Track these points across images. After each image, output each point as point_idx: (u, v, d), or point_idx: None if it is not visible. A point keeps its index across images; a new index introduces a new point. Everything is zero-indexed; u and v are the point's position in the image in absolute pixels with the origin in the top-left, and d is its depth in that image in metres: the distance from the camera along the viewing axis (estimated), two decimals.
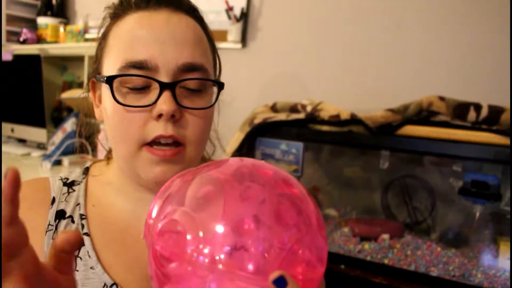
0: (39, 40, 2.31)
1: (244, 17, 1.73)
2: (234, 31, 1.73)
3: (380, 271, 1.08)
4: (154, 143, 0.52)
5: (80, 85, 2.21)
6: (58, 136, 1.85)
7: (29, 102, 2.00)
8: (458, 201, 1.12)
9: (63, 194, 0.60)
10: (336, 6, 1.54)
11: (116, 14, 0.56)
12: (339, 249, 1.14)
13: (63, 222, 0.57)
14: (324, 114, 1.15)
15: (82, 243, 0.36)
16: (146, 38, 0.52)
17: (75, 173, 0.63)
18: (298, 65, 1.63)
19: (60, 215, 0.57)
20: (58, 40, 2.25)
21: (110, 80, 0.52)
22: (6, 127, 2.13)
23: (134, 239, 0.57)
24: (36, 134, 1.98)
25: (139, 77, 0.51)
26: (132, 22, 0.54)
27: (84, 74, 2.05)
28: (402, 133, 1.07)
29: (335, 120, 1.13)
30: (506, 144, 0.95)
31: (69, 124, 1.85)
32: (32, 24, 2.38)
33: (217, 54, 0.64)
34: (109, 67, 0.54)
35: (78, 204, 0.59)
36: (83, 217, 0.57)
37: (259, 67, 1.72)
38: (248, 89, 1.75)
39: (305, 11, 1.61)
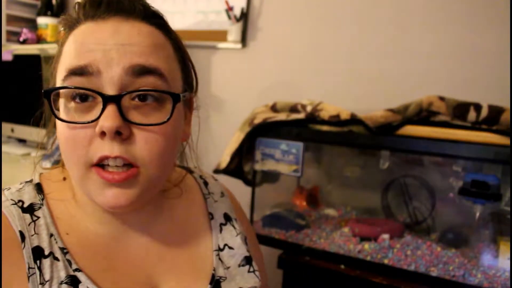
0: (39, 40, 2.31)
1: (244, 17, 1.73)
2: (234, 31, 1.73)
3: (380, 271, 1.08)
4: (103, 164, 0.46)
5: None
6: None
7: (29, 102, 2.00)
8: (458, 201, 1.12)
9: (29, 224, 0.49)
10: (336, 6, 1.54)
11: (70, 26, 0.51)
12: (339, 249, 1.14)
13: (46, 262, 0.48)
14: (324, 114, 1.15)
15: None
16: (89, 44, 0.46)
17: (27, 193, 0.52)
18: (298, 65, 1.63)
19: (38, 253, 0.48)
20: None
21: (47, 94, 0.47)
22: (6, 127, 2.13)
23: (121, 262, 0.53)
24: (36, 134, 1.98)
25: (76, 89, 0.45)
26: (80, 32, 0.48)
27: None
28: (402, 133, 1.07)
29: (335, 120, 1.13)
30: (506, 144, 0.94)
31: None
32: (32, 24, 2.38)
33: (191, 64, 0.58)
34: (58, 81, 0.49)
35: (52, 235, 0.50)
36: (65, 251, 0.49)
37: (259, 67, 1.72)
38: (248, 89, 1.75)
39: (305, 11, 1.61)
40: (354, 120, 1.11)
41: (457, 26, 1.33)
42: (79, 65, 0.45)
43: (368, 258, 1.10)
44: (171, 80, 0.50)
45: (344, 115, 1.12)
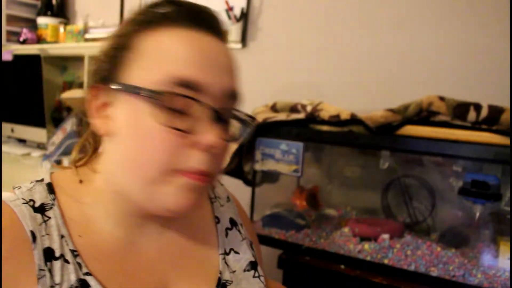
0: (39, 40, 2.31)
1: (244, 17, 1.73)
2: (234, 31, 1.73)
3: (380, 271, 1.08)
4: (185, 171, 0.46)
5: (80, 85, 2.21)
6: (58, 136, 1.85)
7: (29, 102, 2.00)
8: (458, 201, 1.12)
9: (40, 224, 0.47)
10: (336, 6, 1.54)
11: (149, 22, 0.49)
12: (339, 249, 1.14)
13: (57, 264, 0.46)
14: (324, 114, 1.15)
15: None
16: (196, 58, 0.47)
17: (38, 193, 0.50)
18: (298, 65, 1.63)
19: (49, 254, 0.46)
20: (58, 40, 2.25)
21: (156, 94, 0.45)
22: (6, 127, 2.13)
23: (133, 266, 0.52)
24: (36, 134, 1.98)
25: (191, 100, 0.45)
26: (177, 38, 0.48)
27: (84, 74, 2.05)
28: (402, 133, 1.07)
29: (335, 120, 1.13)
30: (506, 144, 0.95)
31: (69, 124, 1.85)
32: (32, 24, 2.38)
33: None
34: (141, 78, 0.47)
35: (63, 236, 0.48)
36: (76, 253, 0.48)
37: (259, 67, 1.72)
38: (248, 89, 1.75)
39: (305, 11, 1.61)
40: (354, 120, 1.11)
41: (457, 26, 1.33)
42: (190, 80, 0.46)
43: (368, 258, 1.10)
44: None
45: (344, 115, 1.12)
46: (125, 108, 0.48)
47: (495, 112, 0.98)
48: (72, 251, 0.48)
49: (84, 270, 0.48)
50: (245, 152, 1.32)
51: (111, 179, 0.51)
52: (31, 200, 0.49)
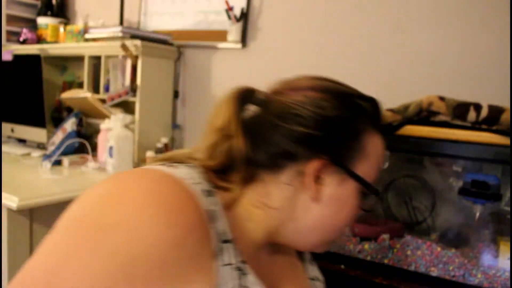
0: (39, 40, 2.31)
1: (244, 17, 1.73)
2: (234, 31, 1.73)
3: (380, 271, 1.08)
4: None
5: (80, 85, 2.21)
6: (58, 136, 1.85)
7: (29, 102, 2.00)
8: (458, 201, 1.12)
9: (211, 206, 0.49)
10: (336, 6, 1.54)
11: (372, 124, 0.58)
12: (339, 249, 1.14)
13: (225, 246, 0.49)
14: None
15: None
16: (380, 166, 0.60)
17: (199, 178, 0.51)
18: (298, 65, 1.63)
19: (219, 236, 0.49)
20: (58, 40, 2.25)
21: (373, 189, 0.58)
22: (6, 127, 2.13)
23: (262, 271, 0.56)
24: (36, 134, 1.98)
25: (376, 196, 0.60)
26: (380, 148, 0.59)
27: (84, 74, 2.05)
28: (402, 133, 1.07)
29: None
30: (506, 144, 0.94)
31: (69, 124, 1.85)
32: (32, 24, 2.38)
33: None
34: (362, 172, 0.56)
35: (227, 223, 0.51)
36: (235, 241, 0.51)
37: (259, 67, 1.72)
38: None
39: (305, 11, 1.61)
40: None
41: (457, 26, 1.33)
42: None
43: (368, 258, 1.10)
44: None
45: None
46: (341, 185, 0.55)
47: (495, 112, 0.98)
48: (233, 238, 0.51)
49: (242, 257, 0.51)
50: None
51: (288, 224, 0.56)
52: (198, 182, 0.50)
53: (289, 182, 0.54)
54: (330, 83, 0.61)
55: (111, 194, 0.45)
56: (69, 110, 2.15)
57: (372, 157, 0.57)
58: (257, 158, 0.55)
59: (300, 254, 0.70)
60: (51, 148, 1.81)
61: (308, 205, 0.54)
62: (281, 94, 0.59)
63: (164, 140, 1.87)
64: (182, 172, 0.50)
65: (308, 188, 0.54)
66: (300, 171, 0.53)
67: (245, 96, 0.62)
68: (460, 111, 1.02)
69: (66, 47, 2.14)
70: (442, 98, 1.05)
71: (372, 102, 0.60)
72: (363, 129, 0.56)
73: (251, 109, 0.60)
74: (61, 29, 2.23)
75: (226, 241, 0.49)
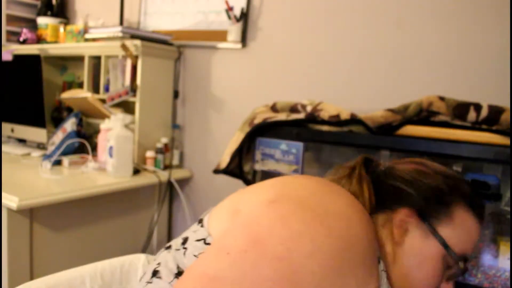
0: (39, 40, 2.31)
1: (244, 17, 1.73)
2: (234, 31, 1.73)
3: None
4: None
5: (80, 85, 2.21)
6: (58, 136, 1.85)
7: (29, 102, 2.00)
8: None
9: None
10: (336, 6, 1.54)
11: (464, 198, 0.65)
12: None
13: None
14: (324, 114, 1.15)
15: None
16: (471, 244, 0.65)
17: None
18: (298, 65, 1.63)
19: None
20: (58, 40, 2.25)
21: (454, 260, 0.63)
22: (6, 127, 2.13)
23: None
24: (36, 134, 1.98)
25: (461, 272, 0.64)
26: (472, 224, 0.65)
27: (84, 74, 2.05)
28: (402, 133, 1.07)
29: (335, 120, 1.13)
30: (506, 144, 0.94)
31: (69, 124, 1.85)
32: (32, 24, 2.38)
33: None
34: (449, 240, 0.63)
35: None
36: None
37: (259, 67, 1.72)
38: (248, 89, 1.75)
39: (305, 11, 1.61)
40: (354, 120, 1.11)
41: (457, 26, 1.33)
42: (465, 256, 0.64)
43: None
44: None
45: (344, 115, 1.12)
46: (428, 245, 0.63)
47: (495, 112, 0.98)
48: None
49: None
50: (245, 152, 1.32)
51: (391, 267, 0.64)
52: None
53: (383, 225, 0.65)
54: (437, 166, 0.71)
55: (323, 188, 0.56)
56: (69, 110, 2.15)
57: (458, 227, 0.63)
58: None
59: None
60: (51, 148, 1.81)
61: (395, 250, 0.63)
62: (397, 164, 0.72)
63: (164, 140, 1.88)
64: None
65: (394, 233, 0.64)
66: (389, 217, 0.65)
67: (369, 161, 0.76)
68: (460, 111, 1.02)
69: (66, 47, 2.14)
70: (442, 98, 1.05)
71: (470, 186, 0.69)
72: (455, 201, 0.64)
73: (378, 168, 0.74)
74: (61, 29, 2.23)
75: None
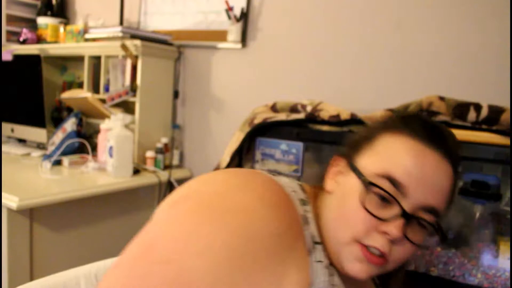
0: (39, 40, 2.31)
1: (244, 17, 1.73)
2: (234, 31, 1.73)
3: None
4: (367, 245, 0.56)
5: (80, 85, 2.21)
6: (58, 136, 1.85)
7: (29, 102, 2.00)
8: (458, 201, 1.12)
9: (304, 212, 0.57)
10: (335, 6, 1.54)
11: (390, 126, 0.60)
12: None
13: (318, 248, 0.56)
14: (324, 114, 1.15)
15: None
16: (411, 167, 0.55)
17: (297, 188, 0.60)
18: (298, 65, 1.63)
19: (313, 238, 0.56)
20: (58, 40, 2.25)
21: (367, 183, 0.56)
22: (6, 127, 2.13)
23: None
24: (36, 134, 1.98)
25: (389, 195, 0.55)
26: (406, 146, 0.57)
27: (84, 74, 2.05)
28: None
29: (335, 120, 1.13)
30: (506, 144, 0.94)
31: (69, 124, 1.85)
32: (32, 24, 2.38)
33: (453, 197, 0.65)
34: (367, 166, 0.58)
35: (318, 243, 0.57)
36: (323, 246, 0.58)
37: (259, 67, 1.72)
38: (248, 89, 1.75)
39: (305, 11, 1.61)
40: (354, 120, 1.11)
41: (457, 26, 1.33)
42: (397, 180, 0.55)
43: None
44: (441, 217, 0.59)
45: (344, 115, 1.12)
46: (348, 181, 0.59)
47: (495, 112, 0.98)
48: (320, 242, 0.58)
49: (328, 260, 0.57)
50: (245, 152, 1.32)
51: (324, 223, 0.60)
52: (295, 191, 0.59)
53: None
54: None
55: (233, 183, 0.53)
56: (69, 110, 2.15)
57: (380, 151, 0.58)
58: None
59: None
60: (51, 148, 1.81)
61: (329, 202, 0.60)
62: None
63: (164, 140, 1.88)
64: (282, 180, 0.59)
65: (327, 184, 0.62)
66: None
67: None
68: (460, 111, 1.02)
69: (66, 47, 2.14)
70: (442, 98, 1.05)
71: (397, 115, 0.65)
72: (379, 132, 0.61)
73: None
74: (61, 29, 2.23)
75: (317, 243, 0.56)
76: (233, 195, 0.51)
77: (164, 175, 1.80)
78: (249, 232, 0.48)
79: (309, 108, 1.19)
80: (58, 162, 1.75)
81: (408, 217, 0.55)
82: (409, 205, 0.55)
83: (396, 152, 0.57)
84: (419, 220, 0.56)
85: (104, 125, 1.77)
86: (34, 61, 1.95)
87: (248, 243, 0.47)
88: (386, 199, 0.55)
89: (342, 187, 0.59)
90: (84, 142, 1.81)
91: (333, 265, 0.58)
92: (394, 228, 0.54)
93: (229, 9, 1.72)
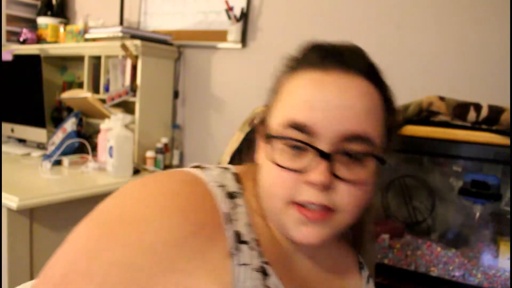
0: (39, 40, 2.31)
1: (244, 17, 1.73)
2: (234, 31, 1.73)
3: (380, 271, 1.07)
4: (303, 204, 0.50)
5: (80, 85, 2.21)
6: (58, 136, 1.85)
7: (29, 102, 2.00)
8: (458, 201, 1.12)
9: (232, 208, 0.50)
10: (335, 6, 1.54)
11: (291, 68, 0.55)
12: None
13: (244, 247, 0.49)
14: None
15: None
16: (310, 101, 0.49)
17: (228, 180, 0.54)
18: None
19: (238, 237, 0.49)
20: (58, 40, 2.25)
21: (268, 138, 0.51)
22: (6, 127, 2.13)
23: (291, 277, 0.54)
24: (36, 134, 1.98)
25: (296, 141, 0.49)
26: (303, 81, 0.51)
27: (84, 74, 2.05)
28: (402, 133, 1.07)
29: None
30: (506, 144, 0.94)
31: (69, 124, 1.85)
32: (32, 24, 2.38)
33: (395, 119, 0.59)
34: (273, 121, 0.53)
35: (249, 225, 0.51)
36: (257, 242, 0.51)
37: (259, 67, 1.72)
38: (248, 89, 1.75)
39: (305, 11, 1.61)
40: None
41: (457, 26, 1.33)
42: (298, 122, 0.49)
43: None
44: (377, 142, 0.52)
45: None
46: (265, 146, 0.53)
47: (495, 112, 0.98)
48: (255, 239, 0.51)
49: (263, 259, 0.50)
50: (245, 152, 1.32)
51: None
52: (223, 185, 0.52)
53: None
54: None
55: (136, 192, 0.48)
56: (69, 110, 2.15)
57: (283, 98, 0.53)
58: None
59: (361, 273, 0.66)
60: (51, 148, 1.81)
61: (260, 175, 0.54)
62: None
63: (164, 140, 1.88)
64: (212, 174, 0.52)
65: (256, 158, 0.56)
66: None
67: None
68: (460, 111, 1.02)
69: (66, 47, 2.14)
70: (442, 98, 1.05)
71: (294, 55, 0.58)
72: (281, 83, 0.56)
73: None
74: (61, 29, 2.23)
75: (243, 242, 0.49)
76: (130, 207, 0.46)
77: None
78: (142, 245, 0.43)
79: None
80: (58, 162, 1.75)
81: (327, 156, 0.48)
82: (326, 142, 0.48)
83: (295, 94, 0.51)
84: (348, 153, 0.49)
85: (104, 125, 1.77)
86: (34, 61, 1.95)
87: (140, 256, 0.43)
88: (299, 147, 0.49)
89: (262, 155, 0.54)
90: (84, 142, 1.81)
91: (270, 264, 0.51)
92: (315, 174, 0.47)
93: (229, 9, 1.72)
